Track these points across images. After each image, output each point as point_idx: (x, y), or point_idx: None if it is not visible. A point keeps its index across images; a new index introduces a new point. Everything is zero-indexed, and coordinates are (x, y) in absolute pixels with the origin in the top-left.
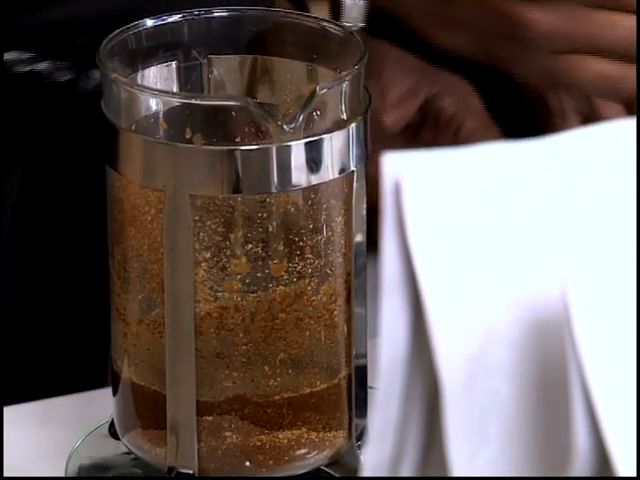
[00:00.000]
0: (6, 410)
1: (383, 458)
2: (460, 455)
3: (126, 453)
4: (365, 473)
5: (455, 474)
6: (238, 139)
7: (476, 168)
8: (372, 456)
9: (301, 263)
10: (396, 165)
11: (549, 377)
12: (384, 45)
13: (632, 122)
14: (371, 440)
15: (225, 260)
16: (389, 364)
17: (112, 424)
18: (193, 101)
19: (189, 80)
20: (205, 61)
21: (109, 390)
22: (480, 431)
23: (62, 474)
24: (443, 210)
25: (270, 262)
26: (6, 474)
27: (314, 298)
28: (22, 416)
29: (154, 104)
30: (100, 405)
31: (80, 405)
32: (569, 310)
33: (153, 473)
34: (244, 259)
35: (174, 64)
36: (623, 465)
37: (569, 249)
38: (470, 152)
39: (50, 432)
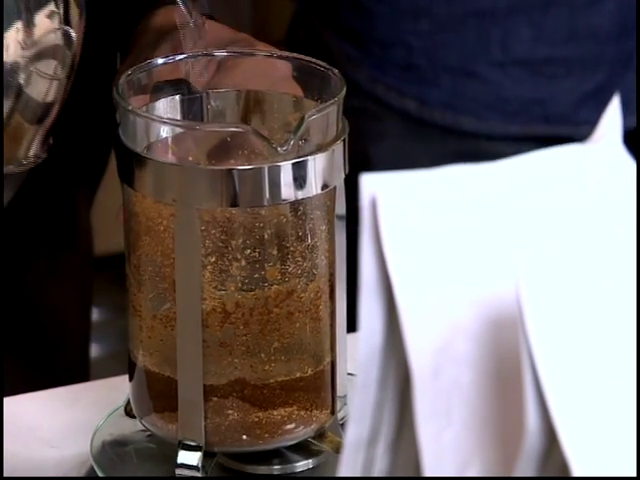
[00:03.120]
0: (40, 394)
1: (362, 436)
2: (428, 433)
3: (142, 430)
4: (346, 450)
5: (423, 450)
6: (235, 160)
7: (441, 187)
8: (352, 434)
9: (291, 265)
10: (373, 184)
11: (505, 366)
12: None
13: (577, 147)
14: (351, 420)
15: (227, 263)
16: (367, 355)
17: (127, 405)
18: (201, 128)
19: (191, 111)
20: (205, 94)
21: (126, 377)
22: (445, 413)
23: (87, 449)
24: (413, 222)
25: (266, 265)
26: (40, 448)
27: (303, 295)
28: (53, 399)
29: (164, 131)
30: (119, 390)
31: (102, 390)
32: (522, 308)
33: (165, 447)
34: (243, 262)
35: (178, 97)
36: (568, 442)
37: (521, 256)
38: (435, 173)
39: (77, 413)
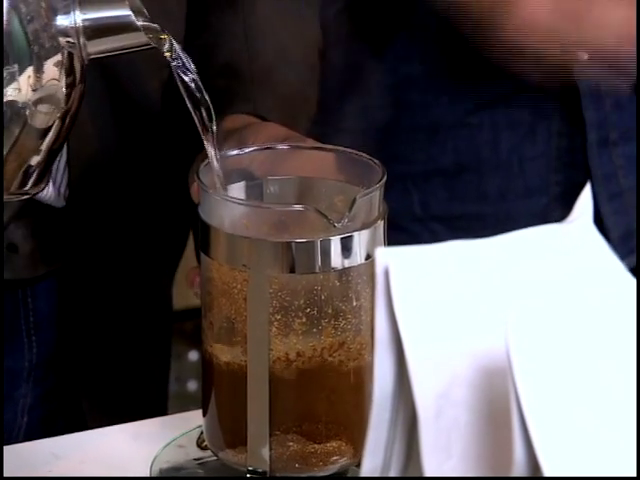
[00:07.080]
0: (109, 429)
1: (376, 467)
2: (431, 465)
3: (194, 459)
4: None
5: None
6: (290, 234)
7: (442, 258)
8: (367, 466)
9: (342, 322)
10: (385, 256)
11: (496, 408)
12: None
13: (556, 225)
14: (366, 454)
15: (291, 320)
16: (380, 399)
17: (199, 438)
18: (273, 208)
19: (253, 193)
20: (265, 181)
21: (182, 414)
22: (446, 448)
23: (147, 474)
24: (419, 288)
25: (322, 321)
26: (107, 473)
27: (351, 346)
28: (120, 432)
29: (238, 209)
30: (174, 425)
31: (159, 425)
32: (510, 359)
33: (213, 473)
34: (304, 319)
35: (243, 183)
36: (549, 472)
37: (509, 316)
38: (437, 247)
39: (139, 443)
